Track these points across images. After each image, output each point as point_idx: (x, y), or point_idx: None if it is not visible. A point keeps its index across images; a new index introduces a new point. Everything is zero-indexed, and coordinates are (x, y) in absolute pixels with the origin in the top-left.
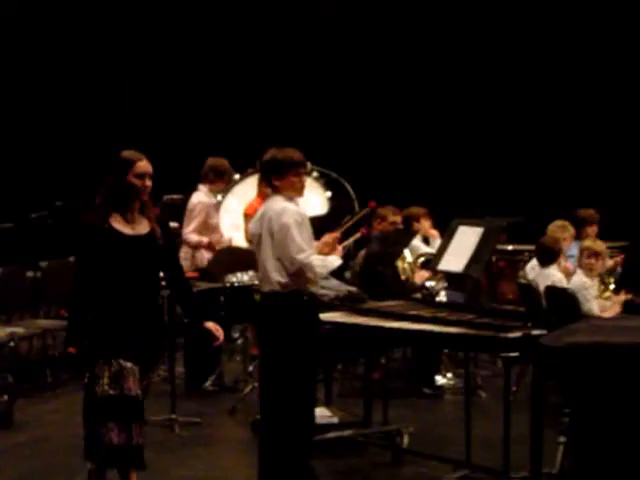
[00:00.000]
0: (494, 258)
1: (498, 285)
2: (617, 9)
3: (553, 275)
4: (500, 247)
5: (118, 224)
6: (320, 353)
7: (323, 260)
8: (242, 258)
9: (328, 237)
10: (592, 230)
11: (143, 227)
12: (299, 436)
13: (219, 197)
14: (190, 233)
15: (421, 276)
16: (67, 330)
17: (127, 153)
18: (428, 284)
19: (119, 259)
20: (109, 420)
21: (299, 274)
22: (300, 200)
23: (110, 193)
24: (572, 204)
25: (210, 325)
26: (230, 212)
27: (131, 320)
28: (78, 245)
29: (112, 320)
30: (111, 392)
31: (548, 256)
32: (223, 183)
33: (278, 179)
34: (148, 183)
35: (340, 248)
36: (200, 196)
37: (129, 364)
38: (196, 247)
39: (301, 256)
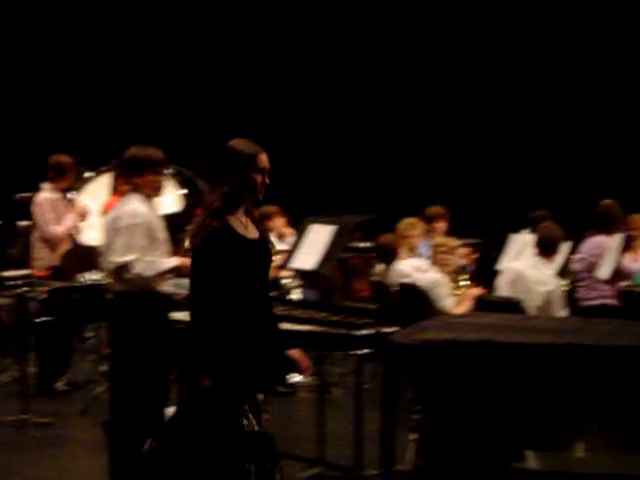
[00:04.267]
0: (348, 255)
1: (352, 282)
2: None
3: (405, 272)
4: (354, 245)
5: (238, 227)
6: (172, 352)
7: (151, 262)
8: (94, 257)
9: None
10: (442, 227)
11: (253, 230)
12: (150, 436)
13: (71, 194)
14: (53, 227)
15: (276, 273)
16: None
17: (244, 144)
18: (282, 282)
19: (250, 268)
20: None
21: (118, 274)
22: (157, 199)
23: (231, 191)
24: (423, 201)
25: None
26: None
27: (262, 343)
28: (220, 255)
29: (250, 343)
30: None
31: (386, 254)
32: (66, 180)
33: (137, 177)
34: (267, 180)
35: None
36: (44, 194)
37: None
38: (59, 241)
39: (118, 258)
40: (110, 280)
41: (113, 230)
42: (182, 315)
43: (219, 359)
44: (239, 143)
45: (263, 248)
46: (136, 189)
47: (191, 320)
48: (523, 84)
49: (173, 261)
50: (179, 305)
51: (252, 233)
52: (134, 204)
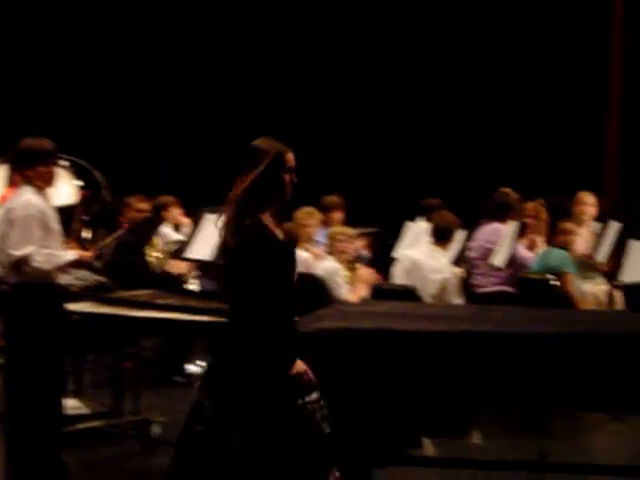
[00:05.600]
0: None
1: None
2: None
3: (301, 258)
4: None
5: (271, 227)
6: (68, 344)
7: (49, 255)
8: None
9: (86, 256)
10: (338, 216)
11: (280, 233)
12: (47, 428)
13: None
14: None
15: (176, 265)
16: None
17: (269, 143)
18: (182, 272)
19: (283, 270)
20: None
21: (17, 267)
22: (50, 190)
23: (260, 192)
24: (319, 191)
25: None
26: None
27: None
28: (259, 253)
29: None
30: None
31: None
32: None
33: (29, 169)
34: (295, 179)
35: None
36: None
37: None
38: None
39: (17, 252)
40: (4, 272)
41: (6, 222)
42: (79, 306)
43: (272, 362)
44: (265, 142)
45: (292, 251)
46: (28, 181)
47: (231, 321)
48: (415, 75)
49: (72, 254)
50: (76, 296)
51: (280, 235)
52: (27, 195)
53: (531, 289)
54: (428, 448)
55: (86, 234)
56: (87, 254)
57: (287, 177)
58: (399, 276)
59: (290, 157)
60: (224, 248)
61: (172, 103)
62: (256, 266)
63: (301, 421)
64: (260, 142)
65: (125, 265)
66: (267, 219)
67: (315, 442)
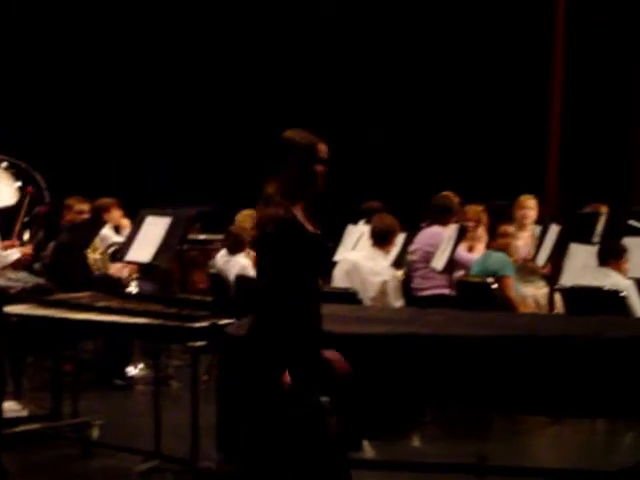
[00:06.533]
0: (186, 247)
1: (190, 274)
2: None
3: (241, 263)
4: (192, 237)
5: (305, 223)
6: (7, 346)
7: None
8: None
9: (27, 253)
10: None
11: (310, 226)
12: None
13: None
14: None
15: (117, 268)
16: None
17: (301, 134)
18: (122, 275)
19: (318, 268)
20: None
21: None
22: None
23: (292, 184)
24: (260, 193)
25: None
26: None
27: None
28: (290, 245)
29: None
30: None
31: (236, 245)
32: None
33: None
34: (327, 170)
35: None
36: None
37: None
38: None
39: None
40: None
41: None
42: (18, 309)
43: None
44: (296, 134)
45: (324, 245)
46: None
47: (257, 315)
48: (356, 79)
49: (15, 253)
50: (15, 299)
51: (311, 228)
52: None
53: (471, 292)
54: (368, 451)
55: (25, 235)
56: (27, 251)
57: (320, 169)
58: (339, 279)
59: (322, 148)
60: (259, 240)
61: (118, 104)
62: (282, 257)
63: (320, 419)
64: (291, 133)
65: (65, 267)
66: (298, 211)
67: (332, 442)
